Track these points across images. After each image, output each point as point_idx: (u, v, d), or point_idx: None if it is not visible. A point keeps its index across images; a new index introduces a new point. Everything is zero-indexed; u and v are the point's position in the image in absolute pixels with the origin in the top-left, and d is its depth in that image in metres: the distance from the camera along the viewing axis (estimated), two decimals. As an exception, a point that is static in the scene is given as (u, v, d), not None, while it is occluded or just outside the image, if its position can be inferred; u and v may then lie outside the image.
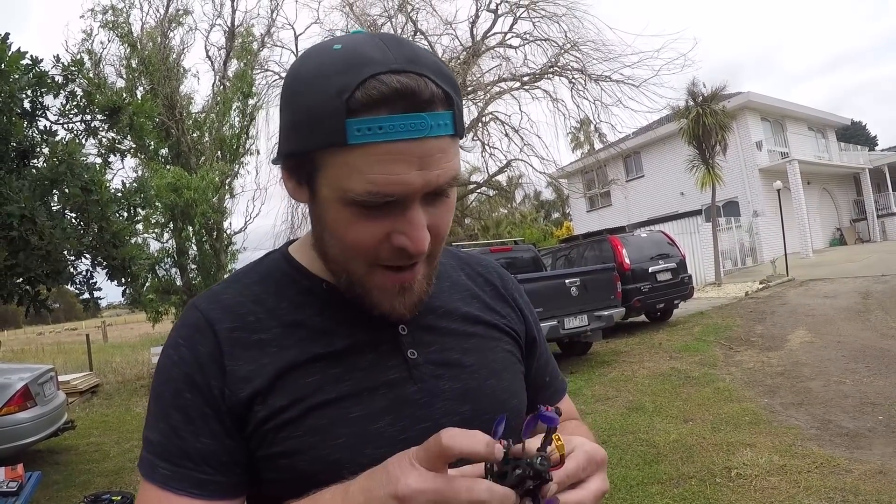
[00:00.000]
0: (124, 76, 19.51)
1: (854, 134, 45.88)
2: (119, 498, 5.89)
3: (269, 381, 0.96)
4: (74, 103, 7.74)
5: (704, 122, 20.64)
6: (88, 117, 7.90)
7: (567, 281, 10.71)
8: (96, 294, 7.84)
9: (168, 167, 17.84)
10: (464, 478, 0.72)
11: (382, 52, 0.84)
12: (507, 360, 1.15)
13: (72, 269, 7.58)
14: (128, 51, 19.56)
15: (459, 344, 1.10)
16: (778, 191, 23.01)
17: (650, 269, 13.71)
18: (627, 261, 13.37)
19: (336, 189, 0.88)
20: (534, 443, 0.78)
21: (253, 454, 0.97)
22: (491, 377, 1.08)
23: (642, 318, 14.99)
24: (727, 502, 4.81)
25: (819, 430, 6.21)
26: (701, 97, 21.14)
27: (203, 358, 0.96)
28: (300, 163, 0.92)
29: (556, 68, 20.80)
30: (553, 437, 0.77)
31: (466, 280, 1.22)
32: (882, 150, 42.53)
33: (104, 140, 8.27)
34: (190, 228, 17.95)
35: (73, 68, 7.54)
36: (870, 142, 49.73)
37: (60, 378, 10.47)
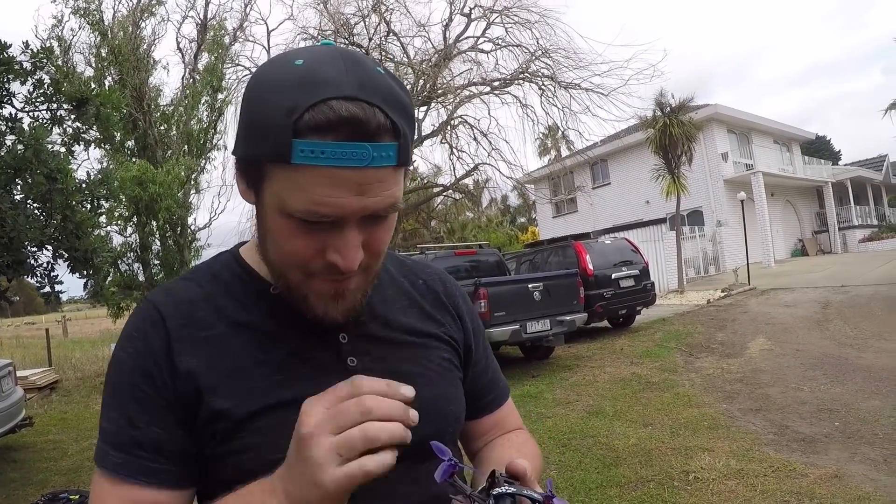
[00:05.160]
0: (93, 65, 19.21)
1: (819, 148, 46.51)
2: (77, 497, 5.79)
3: (214, 381, 0.98)
4: (41, 91, 7.63)
5: (671, 133, 20.82)
6: (55, 106, 7.79)
7: (530, 285, 10.74)
8: (57, 287, 7.71)
9: (134, 160, 17.58)
10: (353, 399, 0.80)
11: (339, 74, 0.85)
12: (443, 368, 1.17)
13: (33, 261, 7.45)
14: (98, 39, 19.25)
15: (397, 353, 1.12)
16: (742, 202, 23.26)
17: (613, 276, 13.78)
18: (591, 267, 13.41)
19: (278, 200, 0.90)
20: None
21: (200, 451, 0.99)
22: (427, 385, 1.08)
23: (605, 323, 15.03)
24: (684, 505, 4.84)
25: (776, 436, 6.29)
26: (668, 108, 21.33)
27: (156, 351, 0.99)
28: (250, 167, 0.94)
29: (526, 74, 20.85)
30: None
31: (409, 288, 1.24)
32: (845, 165, 43.22)
33: (69, 129, 8.16)
34: (154, 223, 17.67)
35: (41, 55, 7.44)
36: (834, 156, 50.48)
37: (19, 373, 10.24)
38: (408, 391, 0.83)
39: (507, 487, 0.87)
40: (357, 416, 0.78)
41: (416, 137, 21.82)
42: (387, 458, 0.78)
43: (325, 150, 0.83)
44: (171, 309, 1.03)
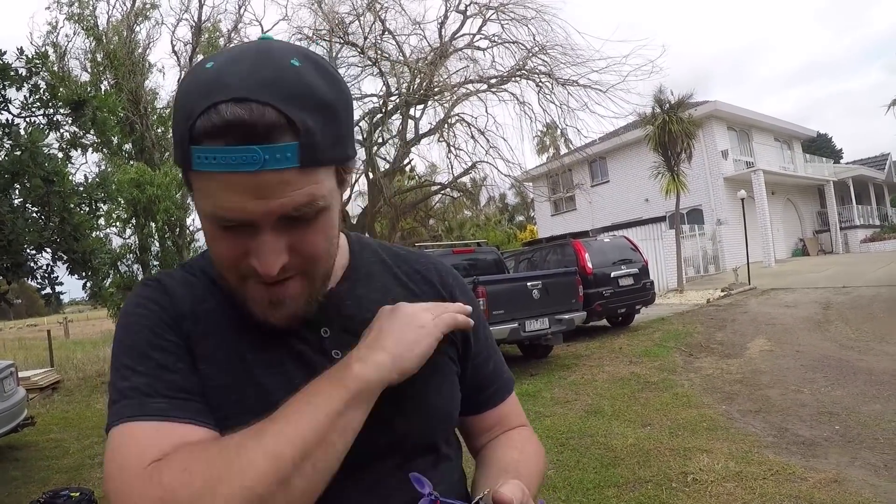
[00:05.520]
0: (89, 70, 19.35)
1: (820, 146, 46.45)
2: (77, 494, 5.81)
3: (205, 352, 0.99)
4: (37, 96, 7.63)
5: (670, 130, 20.82)
6: (51, 111, 7.81)
7: (529, 284, 10.72)
8: (57, 289, 7.73)
9: (131, 163, 17.70)
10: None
11: (238, 75, 0.83)
12: (437, 361, 1.12)
13: (32, 264, 7.46)
14: (93, 44, 19.38)
15: None
16: (742, 200, 23.26)
17: (612, 274, 13.76)
18: (590, 265, 13.40)
19: (198, 205, 0.91)
20: None
21: None
22: (416, 379, 1.06)
23: (603, 322, 15.03)
24: (682, 507, 4.80)
25: (776, 438, 6.26)
26: (668, 104, 21.33)
27: (168, 311, 1.01)
28: (183, 173, 0.93)
29: (523, 71, 20.77)
30: None
31: (403, 278, 1.23)
32: (847, 163, 43.19)
33: (66, 134, 8.19)
34: (152, 225, 17.83)
35: (37, 61, 7.46)
36: (835, 154, 50.38)
37: (21, 374, 10.34)
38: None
39: None
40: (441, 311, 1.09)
41: (413, 135, 21.83)
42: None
43: (217, 156, 0.82)
44: (174, 285, 1.05)
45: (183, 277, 1.07)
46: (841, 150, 54.78)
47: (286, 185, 0.85)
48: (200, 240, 20.43)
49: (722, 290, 19.87)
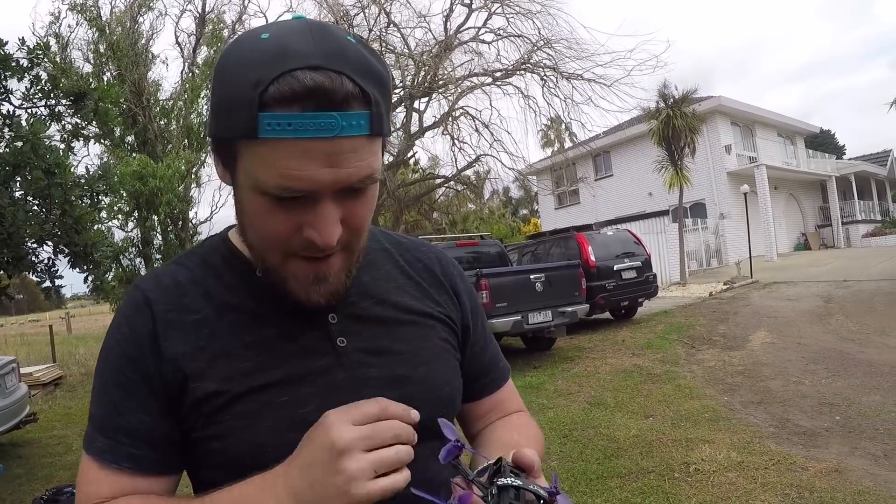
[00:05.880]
0: (92, 61, 19.21)
1: (823, 142, 46.36)
2: (81, 491, 5.78)
3: (201, 364, 0.98)
4: (39, 87, 7.61)
5: (674, 124, 20.83)
6: (53, 102, 7.79)
7: (532, 276, 10.73)
8: (58, 282, 7.73)
9: (134, 155, 17.60)
10: (385, 421, 0.85)
11: (307, 45, 0.83)
12: (440, 348, 1.15)
13: (33, 257, 7.45)
14: (96, 35, 19.24)
15: (391, 332, 1.10)
16: (745, 194, 23.26)
17: (615, 267, 13.77)
18: (593, 258, 13.41)
19: (251, 178, 0.88)
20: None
21: (188, 436, 0.99)
22: (421, 365, 1.09)
23: (606, 315, 15.04)
24: (685, 497, 4.85)
25: (777, 429, 6.28)
26: (672, 99, 21.34)
27: (142, 337, 0.99)
28: (223, 147, 0.92)
29: (528, 65, 20.69)
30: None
31: (405, 266, 1.23)
32: (849, 159, 43.17)
33: (68, 125, 8.15)
34: (155, 218, 17.74)
35: (38, 52, 7.43)
36: (838, 150, 50.28)
37: (23, 370, 10.27)
38: (415, 415, 0.88)
39: (512, 479, 0.85)
40: (389, 439, 0.83)
41: (417, 128, 21.82)
42: (406, 475, 0.84)
43: (292, 122, 0.81)
44: (158, 294, 1.03)
45: (172, 279, 1.06)
46: (844, 146, 54.70)
47: (355, 153, 0.86)
48: (203, 233, 20.39)
49: (724, 284, 19.88)
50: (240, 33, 0.99)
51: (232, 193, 0.99)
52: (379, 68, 0.89)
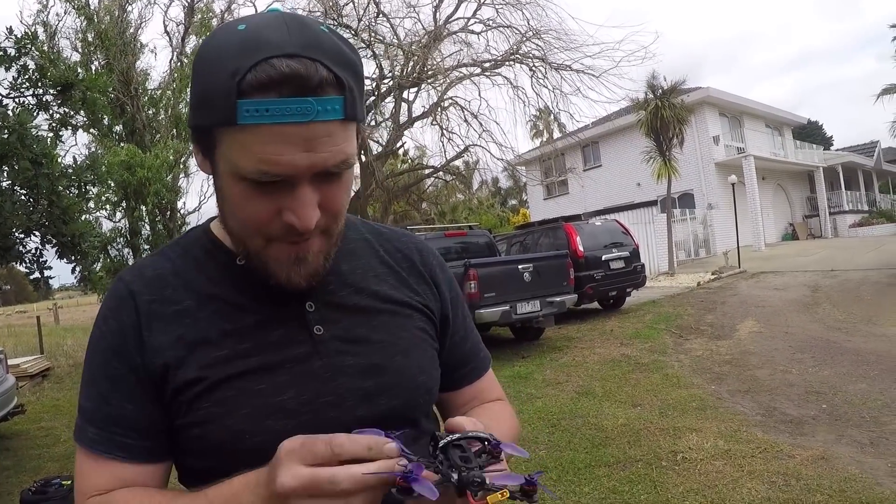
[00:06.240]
0: (80, 50, 19.08)
1: (810, 133, 46.62)
2: (69, 482, 5.76)
3: (182, 353, 1.00)
4: (26, 77, 7.56)
5: (663, 115, 20.89)
6: (40, 91, 7.73)
7: (520, 266, 10.75)
8: (46, 273, 7.70)
9: (122, 145, 17.47)
10: (328, 468, 0.78)
11: (282, 35, 0.86)
12: (417, 338, 1.17)
13: (21, 248, 7.41)
14: (84, 24, 19.10)
15: (368, 321, 1.12)
16: (733, 185, 23.35)
17: (603, 257, 13.82)
18: (581, 248, 13.45)
19: (230, 165, 0.91)
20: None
21: (172, 423, 1.01)
22: (398, 354, 1.10)
23: (595, 305, 15.09)
24: (672, 485, 4.88)
25: (764, 417, 6.33)
26: (660, 90, 21.40)
27: (126, 328, 1.02)
28: (202, 136, 0.95)
29: (517, 55, 20.63)
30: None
31: (385, 255, 1.24)
32: (837, 150, 43.39)
33: (55, 115, 8.10)
34: (143, 208, 17.61)
35: (26, 41, 7.38)
36: (825, 141, 50.61)
37: (10, 361, 10.24)
38: (391, 450, 0.80)
39: (449, 436, 0.86)
40: (333, 493, 0.77)
41: (406, 119, 21.75)
42: None
43: (270, 108, 0.84)
44: (141, 286, 1.05)
45: (155, 271, 1.07)
46: (831, 137, 55.18)
47: (330, 137, 0.88)
48: (191, 223, 20.26)
49: (712, 274, 19.97)
50: (217, 26, 1.00)
51: (212, 182, 1.01)
52: (352, 56, 0.92)
